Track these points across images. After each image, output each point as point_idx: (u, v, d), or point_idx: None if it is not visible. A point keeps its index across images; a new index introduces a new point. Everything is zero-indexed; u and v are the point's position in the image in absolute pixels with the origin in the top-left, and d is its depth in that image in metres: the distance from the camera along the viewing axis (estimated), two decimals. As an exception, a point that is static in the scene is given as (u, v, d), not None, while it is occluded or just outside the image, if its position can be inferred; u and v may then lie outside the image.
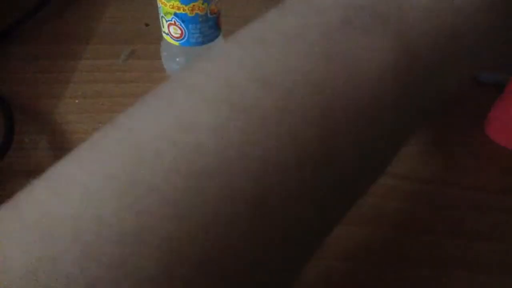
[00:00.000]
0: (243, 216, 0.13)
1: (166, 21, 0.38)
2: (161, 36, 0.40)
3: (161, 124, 0.14)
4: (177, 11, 0.36)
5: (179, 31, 0.38)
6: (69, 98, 0.40)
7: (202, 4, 0.36)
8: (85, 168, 0.14)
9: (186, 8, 0.36)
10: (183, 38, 0.38)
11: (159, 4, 0.37)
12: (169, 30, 0.38)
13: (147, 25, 0.48)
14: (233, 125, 0.14)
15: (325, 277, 0.29)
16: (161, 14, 0.38)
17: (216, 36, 0.39)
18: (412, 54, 0.16)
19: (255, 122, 0.14)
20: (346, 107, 0.15)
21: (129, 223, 0.12)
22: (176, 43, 0.39)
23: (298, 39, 0.15)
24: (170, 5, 0.36)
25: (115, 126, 0.15)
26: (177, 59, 0.40)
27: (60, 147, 0.36)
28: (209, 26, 0.38)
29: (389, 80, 0.15)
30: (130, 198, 0.13)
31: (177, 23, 0.37)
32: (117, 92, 0.41)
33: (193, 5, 0.36)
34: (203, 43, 0.38)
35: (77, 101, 0.40)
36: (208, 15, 0.37)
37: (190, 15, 0.36)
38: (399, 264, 0.29)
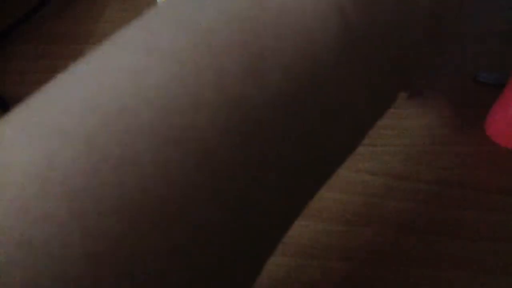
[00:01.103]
0: (152, 153, 0.13)
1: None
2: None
3: (76, 73, 0.14)
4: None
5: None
6: (69, 98, 0.40)
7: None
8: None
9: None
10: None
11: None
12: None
13: (147, 25, 0.48)
14: (150, 68, 0.13)
15: (325, 277, 0.29)
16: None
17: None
18: None
19: (172, 64, 0.13)
20: (277, 46, 0.14)
21: (37, 163, 0.12)
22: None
23: None
24: (170, 5, 0.36)
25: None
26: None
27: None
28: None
29: (333, 19, 0.14)
30: (39, 141, 0.13)
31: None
32: (117, 92, 0.41)
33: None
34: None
35: (77, 101, 0.40)
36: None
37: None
38: (399, 264, 0.29)
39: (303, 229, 0.31)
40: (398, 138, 0.37)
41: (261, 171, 0.14)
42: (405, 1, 0.16)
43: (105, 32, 0.47)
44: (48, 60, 0.44)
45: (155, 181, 0.13)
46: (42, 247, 0.11)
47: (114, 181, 0.12)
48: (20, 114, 0.14)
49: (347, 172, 0.35)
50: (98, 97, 0.13)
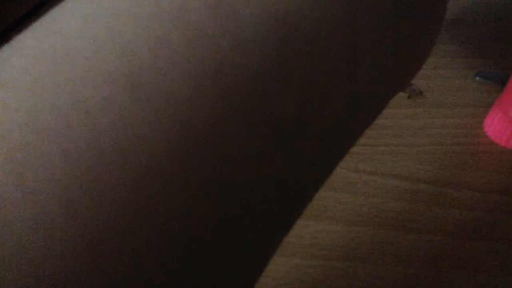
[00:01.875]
0: (104, 100, 0.11)
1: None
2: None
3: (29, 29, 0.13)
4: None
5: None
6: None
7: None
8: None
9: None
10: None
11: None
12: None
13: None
14: (101, 10, 0.12)
15: (325, 277, 0.29)
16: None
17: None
18: None
19: (126, 4, 0.12)
20: None
21: None
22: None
23: None
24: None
25: None
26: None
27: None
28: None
29: None
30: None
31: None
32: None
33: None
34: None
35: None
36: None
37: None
38: (399, 264, 0.29)
39: (303, 229, 0.31)
40: (398, 138, 0.37)
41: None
42: None
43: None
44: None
45: (110, 134, 0.11)
46: None
47: (61, 133, 0.11)
48: None
49: (347, 172, 0.35)
50: (43, 43, 0.12)
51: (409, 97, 0.40)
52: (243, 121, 0.12)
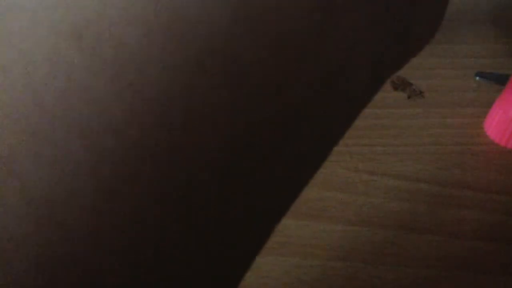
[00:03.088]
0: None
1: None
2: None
3: None
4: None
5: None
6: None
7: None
8: None
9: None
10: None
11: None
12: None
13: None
14: None
15: (325, 277, 0.29)
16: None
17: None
18: None
19: None
20: None
21: None
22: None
23: None
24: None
25: None
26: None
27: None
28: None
29: None
30: None
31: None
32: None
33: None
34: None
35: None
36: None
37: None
38: (399, 264, 0.29)
39: (303, 229, 0.31)
40: (398, 138, 0.37)
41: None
42: None
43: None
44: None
45: (54, 88, 0.10)
46: None
47: (1, 87, 0.10)
48: None
49: (347, 172, 0.35)
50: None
51: (409, 97, 0.40)
52: (197, 70, 0.11)
